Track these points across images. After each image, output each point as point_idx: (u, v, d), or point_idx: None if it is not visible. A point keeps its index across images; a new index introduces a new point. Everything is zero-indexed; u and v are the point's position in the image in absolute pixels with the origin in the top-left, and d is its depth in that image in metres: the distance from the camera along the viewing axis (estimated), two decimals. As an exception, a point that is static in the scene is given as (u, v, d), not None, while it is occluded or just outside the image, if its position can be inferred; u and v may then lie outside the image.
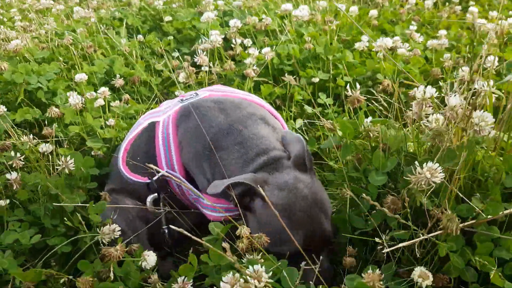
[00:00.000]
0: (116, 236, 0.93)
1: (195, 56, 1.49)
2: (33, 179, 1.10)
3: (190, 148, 1.02)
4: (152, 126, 1.08)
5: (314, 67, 1.57)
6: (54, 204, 1.05)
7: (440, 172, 0.74)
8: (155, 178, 1.01)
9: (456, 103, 0.83)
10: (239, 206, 0.88)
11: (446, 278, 0.82)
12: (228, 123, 0.98)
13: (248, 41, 1.65)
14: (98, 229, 0.97)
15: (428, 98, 0.85)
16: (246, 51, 1.59)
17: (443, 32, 1.73)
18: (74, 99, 1.24)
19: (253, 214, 0.90)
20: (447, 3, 2.35)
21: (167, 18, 2.01)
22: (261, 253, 0.81)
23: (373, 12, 1.92)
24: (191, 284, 0.81)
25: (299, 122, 1.43)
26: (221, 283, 0.68)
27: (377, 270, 0.71)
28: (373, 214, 0.89)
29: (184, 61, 1.57)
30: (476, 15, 2.05)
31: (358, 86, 1.01)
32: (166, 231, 1.03)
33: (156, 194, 1.04)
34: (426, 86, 0.88)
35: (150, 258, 0.86)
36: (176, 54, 1.73)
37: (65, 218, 1.06)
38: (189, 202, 1.10)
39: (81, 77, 1.37)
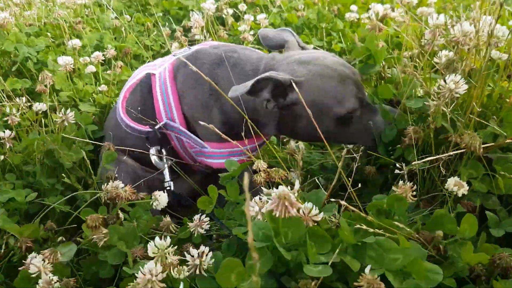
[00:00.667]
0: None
1: (191, 28, 1.45)
2: (30, 138, 1.04)
3: (194, 94, 0.98)
4: (148, 78, 1.05)
5: (309, 35, 1.56)
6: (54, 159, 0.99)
7: (463, 84, 0.73)
8: (157, 126, 0.97)
9: (469, 29, 0.83)
10: (281, 108, 0.87)
11: (471, 203, 0.80)
12: (218, 55, 0.97)
13: (242, 7, 1.62)
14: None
15: (441, 25, 0.85)
16: (239, 22, 1.57)
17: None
18: (64, 60, 1.18)
19: (297, 105, 0.86)
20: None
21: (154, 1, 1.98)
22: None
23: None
24: (207, 222, 0.76)
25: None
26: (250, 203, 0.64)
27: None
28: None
29: (177, 31, 1.53)
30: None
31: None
32: (171, 187, 0.98)
33: (157, 147, 1.00)
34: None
35: (161, 198, 0.81)
36: (165, 29, 1.69)
37: (63, 175, 1.01)
38: (189, 157, 1.06)
39: (74, 42, 1.31)
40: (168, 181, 0.99)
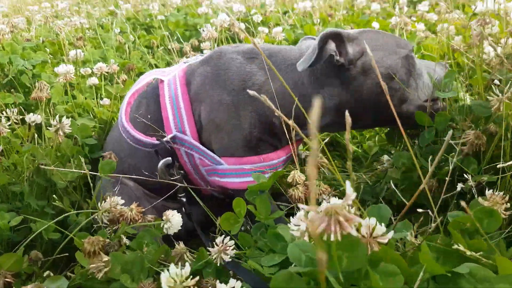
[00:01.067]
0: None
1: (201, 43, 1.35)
2: (16, 158, 0.90)
3: (216, 95, 0.84)
4: (156, 84, 0.92)
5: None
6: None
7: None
8: (166, 138, 0.83)
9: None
10: (347, 65, 0.78)
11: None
12: (249, 48, 0.87)
13: (257, 18, 1.52)
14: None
15: (490, 11, 0.73)
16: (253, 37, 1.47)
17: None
18: (65, 68, 1.05)
19: (360, 59, 0.80)
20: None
21: (160, 17, 1.89)
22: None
23: (375, 6, 1.87)
24: (233, 246, 0.61)
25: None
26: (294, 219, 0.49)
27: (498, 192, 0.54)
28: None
29: (186, 46, 1.42)
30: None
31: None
32: (184, 199, 0.83)
33: (168, 159, 0.85)
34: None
35: (174, 218, 0.65)
36: (172, 45, 1.59)
37: (54, 196, 0.86)
38: (200, 177, 0.91)
39: (75, 53, 1.20)
40: (182, 195, 0.85)
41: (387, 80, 0.79)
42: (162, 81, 0.92)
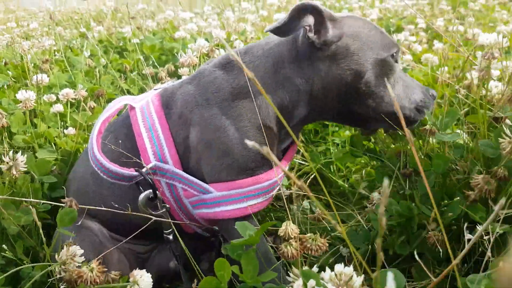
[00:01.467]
0: (78, 264, 0.62)
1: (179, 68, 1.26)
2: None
3: (207, 110, 0.76)
4: (127, 112, 0.84)
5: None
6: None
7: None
8: (147, 167, 0.74)
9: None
10: (321, 48, 0.73)
11: None
12: (221, 62, 0.80)
13: (239, 44, 1.46)
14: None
15: (495, 44, 0.69)
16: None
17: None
18: (25, 95, 0.94)
19: (338, 41, 0.74)
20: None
21: (135, 40, 1.79)
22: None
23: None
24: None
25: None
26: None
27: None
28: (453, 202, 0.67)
29: (161, 71, 1.33)
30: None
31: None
32: (171, 236, 0.73)
33: (149, 191, 0.75)
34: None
35: (143, 279, 0.55)
36: (147, 70, 1.49)
37: (3, 247, 0.73)
38: (183, 211, 0.81)
39: (40, 77, 1.09)
40: (168, 232, 0.75)
41: (355, 76, 0.74)
42: (133, 107, 0.83)
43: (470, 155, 0.73)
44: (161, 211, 0.75)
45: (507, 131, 0.58)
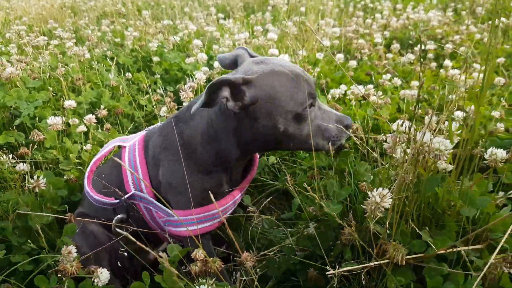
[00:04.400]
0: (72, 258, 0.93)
1: (180, 92, 1.56)
2: (6, 196, 1.13)
3: (166, 162, 1.01)
4: (120, 152, 1.13)
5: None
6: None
7: (389, 198, 0.78)
8: (124, 197, 1.03)
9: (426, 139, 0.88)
10: (241, 112, 0.89)
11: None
12: (175, 117, 1.04)
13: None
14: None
15: (403, 131, 0.91)
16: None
17: (415, 83, 1.83)
18: (53, 120, 1.28)
19: (254, 103, 0.89)
20: (422, 59, 2.50)
21: (156, 58, 2.12)
22: (214, 279, 0.83)
23: (352, 63, 2.04)
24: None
25: (272, 159, 1.48)
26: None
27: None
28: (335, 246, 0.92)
29: (167, 97, 1.64)
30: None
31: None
32: (126, 254, 1.03)
33: (123, 215, 1.06)
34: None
35: (103, 275, 0.86)
36: (160, 91, 1.81)
37: (28, 240, 1.08)
38: (158, 226, 1.11)
39: (70, 103, 1.42)
40: (122, 250, 1.05)
41: (273, 129, 0.90)
42: (124, 147, 1.12)
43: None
44: (121, 235, 1.02)
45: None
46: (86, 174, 1.09)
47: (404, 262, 0.80)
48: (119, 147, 1.18)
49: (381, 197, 0.79)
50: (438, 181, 0.88)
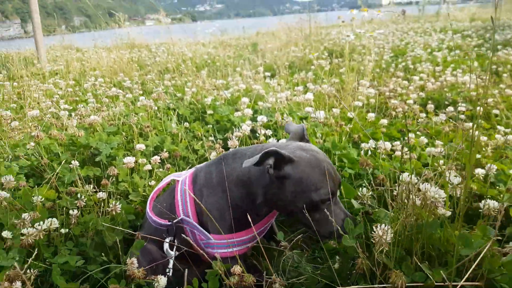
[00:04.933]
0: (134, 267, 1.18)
1: (228, 140, 1.85)
2: (87, 218, 1.42)
3: (208, 194, 1.25)
4: (173, 183, 1.40)
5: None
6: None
7: (391, 233, 0.98)
8: (175, 220, 1.28)
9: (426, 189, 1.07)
10: (275, 178, 1.10)
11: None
12: (217, 159, 1.30)
13: (269, 132, 2.00)
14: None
15: (414, 184, 1.11)
16: (268, 140, 1.94)
17: (439, 142, 2.00)
18: (128, 159, 1.60)
19: (287, 179, 1.10)
20: (453, 120, 2.65)
21: (210, 111, 2.46)
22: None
23: (383, 121, 2.25)
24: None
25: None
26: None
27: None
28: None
29: (217, 143, 1.93)
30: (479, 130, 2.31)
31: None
32: (170, 272, 1.26)
33: (171, 237, 1.30)
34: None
35: (162, 280, 1.10)
36: (211, 138, 2.11)
37: (102, 254, 1.35)
38: (201, 247, 1.34)
39: (140, 146, 1.75)
40: (169, 268, 1.28)
41: (290, 202, 1.10)
42: (178, 181, 1.39)
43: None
44: (172, 256, 1.25)
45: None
46: (149, 200, 1.36)
47: (404, 285, 0.97)
48: (174, 180, 1.45)
49: (383, 231, 0.99)
50: (437, 224, 1.06)
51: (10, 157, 1.97)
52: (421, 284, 1.02)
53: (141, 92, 3.47)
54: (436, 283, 1.02)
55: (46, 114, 2.60)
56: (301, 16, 7.63)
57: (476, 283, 1.05)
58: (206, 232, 1.24)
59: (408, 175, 1.11)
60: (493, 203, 1.04)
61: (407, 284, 0.98)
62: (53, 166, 1.83)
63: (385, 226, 0.99)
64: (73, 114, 2.52)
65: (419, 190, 1.10)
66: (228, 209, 1.22)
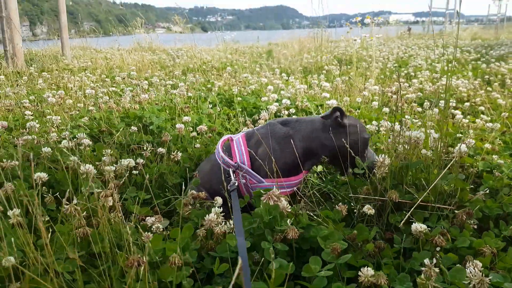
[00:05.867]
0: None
1: (257, 120, 2.25)
2: (154, 165, 1.83)
3: (268, 144, 1.61)
4: (229, 141, 1.80)
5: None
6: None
7: (387, 161, 1.38)
8: (236, 163, 1.67)
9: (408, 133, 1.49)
10: (336, 125, 1.52)
11: None
12: (281, 122, 1.65)
13: (292, 111, 2.42)
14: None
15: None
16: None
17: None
18: (179, 126, 2.02)
19: (346, 127, 1.52)
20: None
21: (238, 99, 2.89)
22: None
23: (385, 109, 2.66)
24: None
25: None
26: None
27: None
28: None
29: (247, 121, 2.34)
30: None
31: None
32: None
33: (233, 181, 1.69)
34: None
35: (218, 199, 1.49)
36: (241, 119, 2.53)
37: (166, 190, 1.76)
38: (247, 190, 1.71)
39: (186, 118, 2.18)
40: (234, 182, 1.65)
41: (354, 144, 1.49)
42: (232, 139, 1.79)
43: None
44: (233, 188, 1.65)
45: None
46: (219, 146, 1.71)
47: (397, 199, 1.37)
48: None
49: (383, 159, 1.40)
50: (421, 162, 1.47)
51: (69, 127, 2.38)
52: (409, 201, 1.42)
53: (171, 84, 3.90)
54: (420, 203, 1.42)
55: (98, 93, 3.04)
56: (312, 30, 8.11)
57: (451, 207, 1.44)
58: (260, 177, 1.60)
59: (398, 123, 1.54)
60: (463, 147, 1.44)
61: (398, 200, 1.38)
62: (112, 133, 2.24)
63: (385, 156, 1.40)
64: (112, 99, 2.95)
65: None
66: (283, 158, 1.59)
